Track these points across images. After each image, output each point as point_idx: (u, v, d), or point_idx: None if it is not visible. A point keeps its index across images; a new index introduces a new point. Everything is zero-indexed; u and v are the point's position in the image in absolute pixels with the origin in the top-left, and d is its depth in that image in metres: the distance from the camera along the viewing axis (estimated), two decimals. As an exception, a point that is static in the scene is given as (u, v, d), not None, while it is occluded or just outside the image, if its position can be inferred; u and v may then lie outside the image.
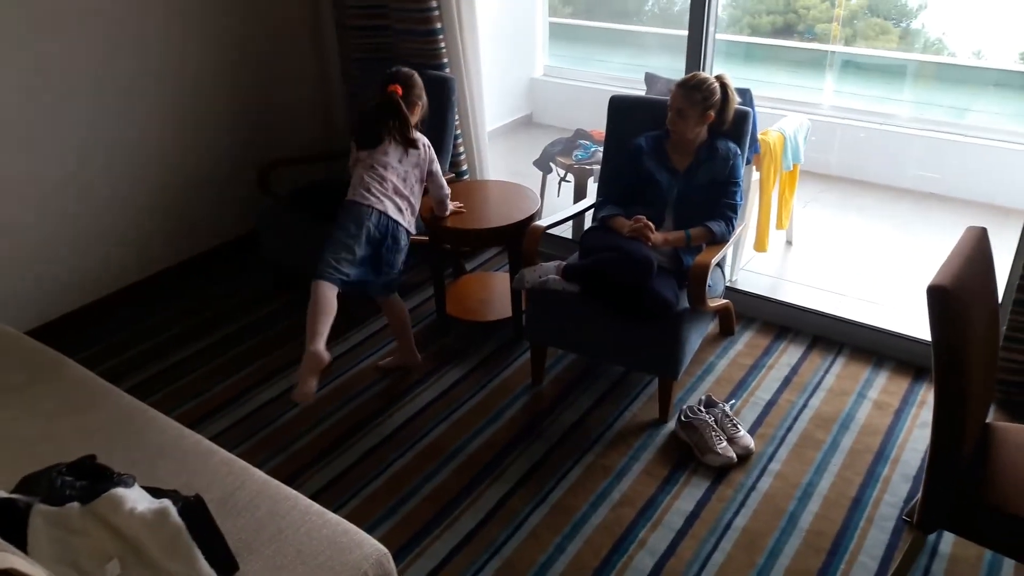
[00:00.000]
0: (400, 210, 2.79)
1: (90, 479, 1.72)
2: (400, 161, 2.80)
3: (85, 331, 3.34)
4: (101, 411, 2.14)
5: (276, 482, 1.91)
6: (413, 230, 2.86)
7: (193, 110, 3.59)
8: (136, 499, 1.66)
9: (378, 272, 2.80)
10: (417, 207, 2.88)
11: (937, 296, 1.67)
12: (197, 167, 3.68)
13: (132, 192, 3.45)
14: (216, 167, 3.76)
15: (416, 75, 2.88)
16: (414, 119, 2.85)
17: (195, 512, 1.68)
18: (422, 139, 2.87)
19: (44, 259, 3.21)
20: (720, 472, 2.55)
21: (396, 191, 2.78)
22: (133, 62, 3.31)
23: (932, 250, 3.96)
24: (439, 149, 3.43)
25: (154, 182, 3.53)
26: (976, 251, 1.87)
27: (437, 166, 2.95)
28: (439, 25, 3.43)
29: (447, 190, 3.03)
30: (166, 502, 1.66)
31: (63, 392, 2.22)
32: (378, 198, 2.72)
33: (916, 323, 3.06)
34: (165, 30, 3.39)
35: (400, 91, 2.80)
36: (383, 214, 2.72)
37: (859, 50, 5.73)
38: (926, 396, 2.87)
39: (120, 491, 1.65)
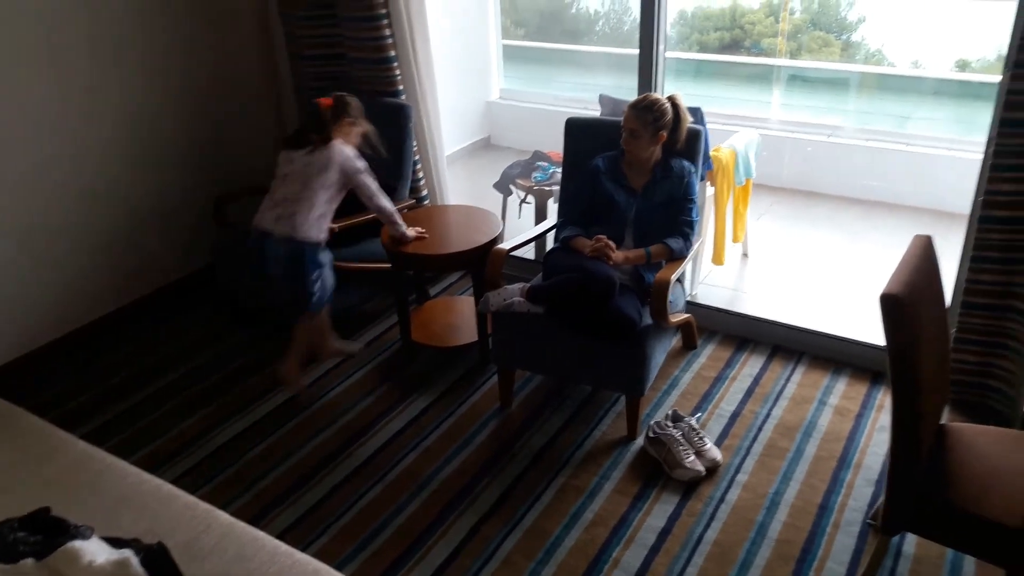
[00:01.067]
0: (286, 216, 2.82)
1: (44, 533, 1.65)
2: (305, 165, 2.83)
3: (35, 377, 3.25)
4: (56, 460, 2.07)
5: (242, 523, 1.88)
6: (317, 237, 2.86)
7: (145, 146, 3.55)
8: (95, 551, 1.60)
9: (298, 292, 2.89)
10: (321, 212, 2.86)
11: (890, 304, 1.73)
12: (149, 203, 3.64)
13: (83, 231, 3.39)
14: (169, 202, 3.71)
15: (355, 101, 2.94)
16: (346, 139, 2.90)
17: (158, 560, 1.63)
18: (336, 144, 2.87)
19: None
20: (689, 486, 2.58)
21: (288, 198, 2.83)
22: (83, 99, 3.27)
23: (882, 257, 4.07)
24: (398, 175, 3.45)
25: (105, 220, 3.47)
26: (923, 259, 1.94)
27: (364, 178, 2.91)
28: (393, 53, 3.45)
29: (388, 207, 2.99)
30: (127, 552, 1.60)
31: (14, 442, 2.13)
32: (268, 216, 2.86)
33: (871, 329, 3.14)
34: (116, 66, 3.36)
35: (329, 102, 2.87)
36: (276, 236, 2.82)
37: (803, 63, 5.89)
38: (884, 400, 2.94)
39: (77, 544, 1.60)
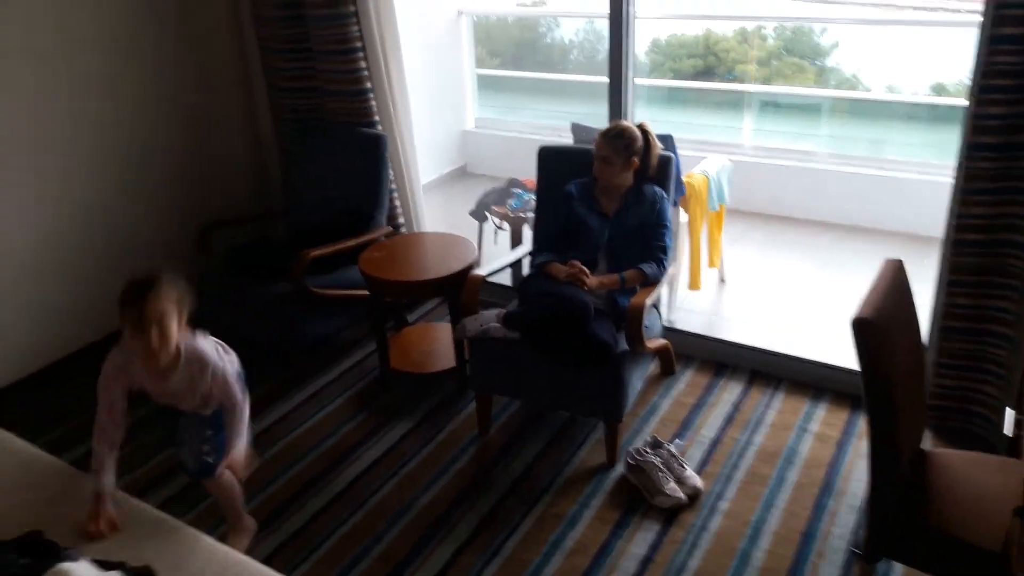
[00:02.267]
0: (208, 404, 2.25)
1: (35, 556, 1.70)
2: (183, 387, 2.18)
3: (23, 404, 3.22)
4: (46, 485, 2.11)
5: (226, 548, 1.89)
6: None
7: (131, 176, 3.55)
8: (83, 573, 1.64)
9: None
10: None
11: (861, 328, 1.75)
12: (134, 233, 3.62)
13: (67, 260, 3.36)
14: (154, 231, 3.69)
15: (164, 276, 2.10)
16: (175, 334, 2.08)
17: None
18: (184, 350, 2.13)
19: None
20: (671, 513, 2.56)
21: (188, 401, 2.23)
22: (65, 130, 3.27)
23: (858, 281, 4.10)
24: (375, 204, 3.45)
25: (90, 249, 3.45)
26: (894, 283, 1.96)
27: (224, 383, 2.19)
28: (368, 85, 3.47)
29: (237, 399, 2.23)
30: (115, 574, 1.65)
31: (5, 467, 2.16)
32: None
33: (849, 355, 3.15)
34: (97, 96, 3.36)
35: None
36: None
37: (775, 89, 5.98)
38: (865, 426, 2.95)
39: (66, 566, 1.64)
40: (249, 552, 2.41)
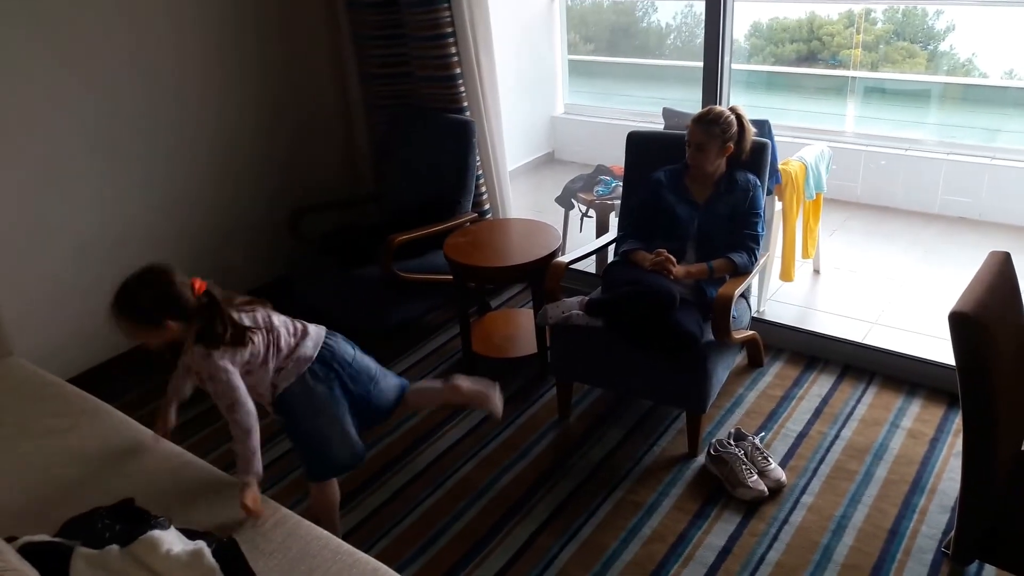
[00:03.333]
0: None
1: (128, 522, 1.78)
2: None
3: (123, 378, 3.40)
4: (139, 455, 2.21)
5: (307, 523, 1.95)
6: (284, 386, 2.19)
7: (224, 161, 3.69)
8: (172, 541, 1.70)
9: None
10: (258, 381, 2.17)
11: (959, 323, 1.67)
12: (228, 216, 3.77)
13: (164, 243, 3.53)
14: (246, 215, 3.84)
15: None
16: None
17: (229, 553, 1.72)
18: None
19: (84, 310, 3.28)
20: (751, 506, 2.52)
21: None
22: (171, 118, 3.42)
23: (962, 275, 3.90)
24: (461, 190, 3.49)
25: (185, 232, 3.61)
26: (999, 276, 1.86)
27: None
28: (458, 71, 3.51)
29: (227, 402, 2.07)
30: (201, 544, 1.71)
31: (104, 437, 2.28)
32: None
33: (949, 350, 3.01)
34: (202, 86, 3.51)
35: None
36: None
37: (882, 75, 5.72)
38: (961, 424, 2.81)
39: (157, 533, 1.71)
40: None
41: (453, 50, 3.48)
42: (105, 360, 3.42)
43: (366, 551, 1.90)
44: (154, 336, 2.01)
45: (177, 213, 3.56)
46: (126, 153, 3.31)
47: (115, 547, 1.68)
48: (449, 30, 3.45)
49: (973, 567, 2.23)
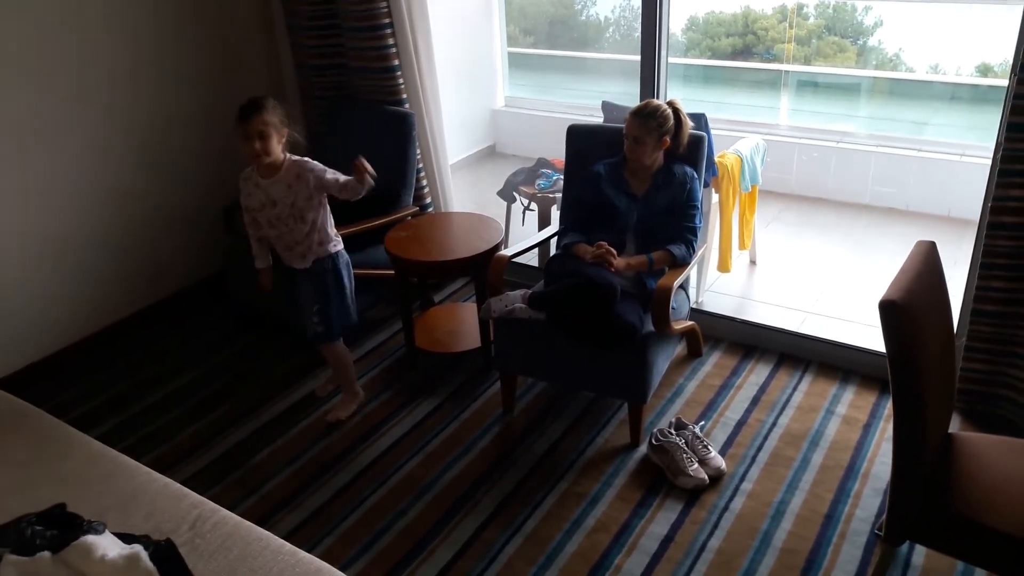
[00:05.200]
0: (312, 245, 2.75)
1: (60, 528, 1.73)
2: (282, 195, 2.68)
3: (52, 380, 3.29)
4: (71, 459, 2.14)
5: (248, 523, 1.91)
6: (333, 248, 2.81)
7: (156, 156, 3.59)
8: (107, 546, 1.67)
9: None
10: (324, 220, 2.77)
11: (888, 311, 1.72)
12: (161, 212, 3.67)
13: (95, 240, 3.42)
14: (180, 210, 3.74)
15: (269, 100, 2.62)
16: (276, 144, 2.63)
17: (166, 556, 1.69)
18: (289, 159, 2.69)
19: (8, 310, 3.17)
20: (693, 494, 2.56)
21: (302, 232, 2.73)
22: (102, 111, 3.32)
23: (892, 265, 4.03)
24: (402, 183, 3.45)
25: (119, 228, 3.51)
26: (925, 264, 1.92)
27: (322, 172, 2.69)
28: (396, 62, 3.47)
29: (342, 178, 2.72)
30: (137, 547, 1.67)
31: (32, 441, 2.20)
32: (290, 255, 2.79)
33: (880, 338, 3.10)
34: (134, 77, 3.41)
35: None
36: (303, 269, 2.78)
37: (813, 68, 5.85)
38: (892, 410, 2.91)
39: (90, 538, 1.67)
40: (351, 417, 2.99)
41: (391, 41, 3.43)
42: (33, 361, 3.31)
43: (309, 550, 1.88)
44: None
45: (110, 207, 3.45)
46: (57, 146, 3.20)
47: (47, 554, 1.63)
48: (387, 21, 3.40)
49: (904, 548, 2.30)
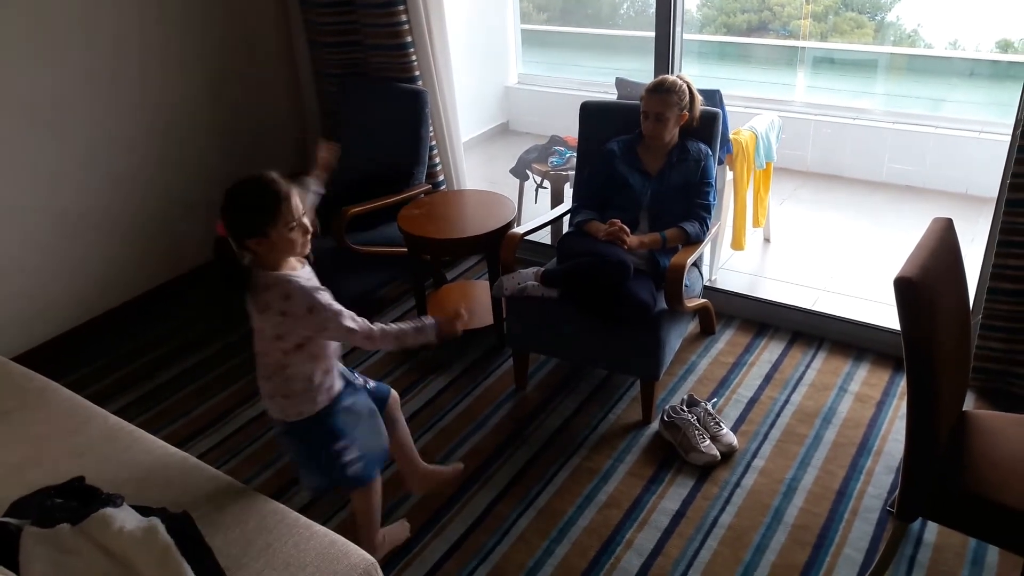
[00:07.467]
0: (271, 396, 2.00)
1: (79, 500, 1.76)
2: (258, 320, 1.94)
3: (71, 355, 3.33)
4: (89, 433, 2.17)
5: (263, 497, 1.94)
6: (309, 409, 2.00)
7: (168, 134, 3.59)
8: (125, 518, 1.69)
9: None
10: (295, 372, 1.96)
11: (903, 288, 1.71)
12: (176, 189, 3.68)
13: (111, 217, 3.44)
14: (194, 187, 3.75)
15: (261, 181, 1.86)
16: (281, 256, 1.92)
17: (183, 528, 1.71)
18: (276, 278, 1.89)
19: (28, 287, 3.20)
20: (704, 470, 2.57)
21: (263, 367, 1.99)
22: (113, 91, 3.33)
23: (908, 242, 4.00)
24: (415, 160, 3.44)
25: (135, 206, 3.53)
26: (941, 242, 1.91)
27: (323, 314, 1.91)
28: (409, 39, 3.45)
29: (361, 330, 1.95)
30: (154, 520, 1.69)
31: (51, 416, 2.23)
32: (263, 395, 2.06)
33: (894, 315, 3.09)
34: (146, 56, 3.41)
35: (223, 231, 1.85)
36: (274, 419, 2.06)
37: (831, 45, 5.78)
38: (906, 387, 2.90)
39: (109, 511, 1.69)
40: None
41: (404, 18, 3.41)
42: (52, 337, 3.34)
43: (323, 524, 1.90)
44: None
45: (122, 189, 3.46)
46: (68, 129, 3.21)
47: (66, 525, 1.66)
48: (399, -3, 3.38)
49: (916, 524, 2.31)
